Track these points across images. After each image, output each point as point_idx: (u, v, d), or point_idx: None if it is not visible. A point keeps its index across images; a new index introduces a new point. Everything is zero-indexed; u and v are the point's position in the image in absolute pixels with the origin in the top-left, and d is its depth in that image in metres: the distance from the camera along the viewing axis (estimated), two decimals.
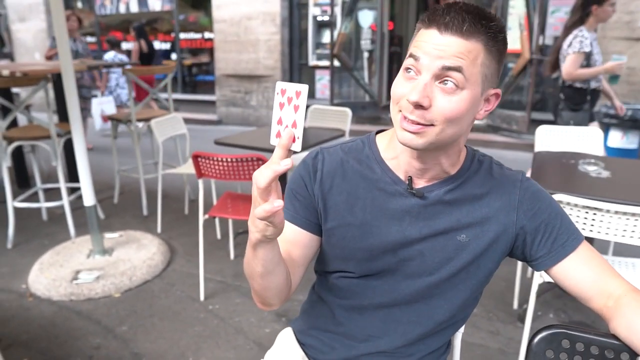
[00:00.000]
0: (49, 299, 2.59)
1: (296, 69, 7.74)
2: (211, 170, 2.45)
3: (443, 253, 0.94)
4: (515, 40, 6.22)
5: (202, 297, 2.58)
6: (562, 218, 0.95)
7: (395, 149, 0.95)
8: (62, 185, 3.32)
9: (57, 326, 2.36)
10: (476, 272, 0.96)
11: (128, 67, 4.32)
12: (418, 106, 0.80)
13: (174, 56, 8.76)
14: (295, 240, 0.98)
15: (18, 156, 4.31)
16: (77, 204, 3.69)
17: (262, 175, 0.69)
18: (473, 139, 6.29)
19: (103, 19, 9.42)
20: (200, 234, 2.56)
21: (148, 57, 7.07)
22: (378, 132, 1.02)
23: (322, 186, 0.97)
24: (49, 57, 5.48)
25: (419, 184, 0.94)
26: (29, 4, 9.36)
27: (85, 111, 5.41)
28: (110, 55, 7.26)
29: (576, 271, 0.92)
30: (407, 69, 0.83)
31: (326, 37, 7.34)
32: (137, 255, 2.97)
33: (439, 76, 0.80)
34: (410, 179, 0.93)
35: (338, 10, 7.07)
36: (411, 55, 0.82)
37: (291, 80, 7.74)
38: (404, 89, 0.83)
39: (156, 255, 2.99)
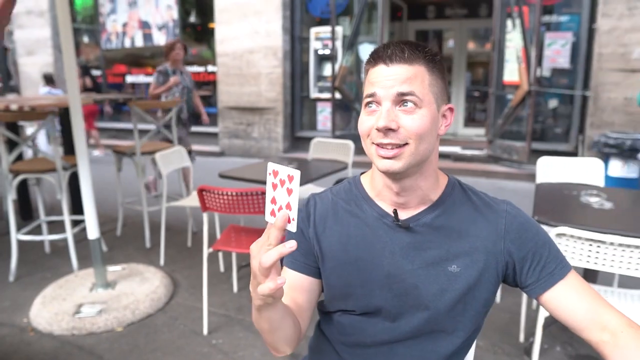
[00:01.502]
0: (51, 334, 2.57)
1: (298, 101, 7.85)
2: (216, 203, 2.47)
3: (436, 284, 0.95)
4: (513, 72, 6.33)
5: (205, 331, 2.56)
6: (549, 247, 0.97)
7: (376, 187, 1.00)
8: (66, 218, 3.33)
9: None
10: (472, 302, 0.97)
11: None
12: (388, 130, 0.88)
13: None
14: (298, 286, 1.01)
15: (22, 189, 4.34)
16: (80, 237, 3.70)
17: (268, 256, 0.73)
18: (474, 169, 6.33)
19: (108, 53, 9.61)
20: (205, 267, 2.55)
21: (93, 92, 7.01)
22: (362, 174, 1.08)
23: (316, 229, 1.02)
24: (156, 96, 4.62)
25: (405, 214, 0.98)
26: (36, 39, 9.57)
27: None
28: (44, 91, 7.60)
29: (567, 299, 0.93)
30: (368, 104, 0.92)
31: (327, 70, 7.46)
32: (140, 288, 2.96)
33: (397, 101, 0.89)
34: (395, 212, 0.97)
35: (339, 44, 7.21)
36: (368, 94, 0.92)
37: (293, 112, 7.84)
38: (370, 121, 0.91)
39: (159, 288, 2.97)
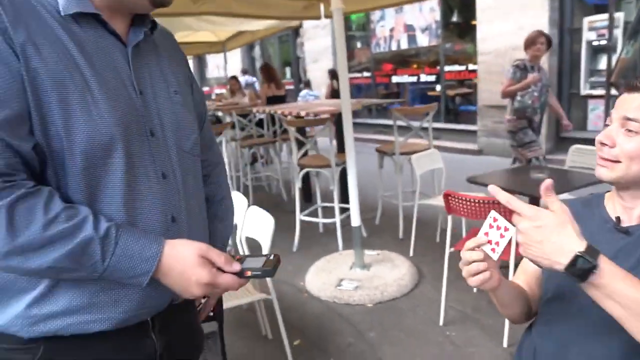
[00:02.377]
0: (319, 298, 3.23)
1: (565, 98, 7.25)
2: (460, 208, 2.68)
3: None
4: None
5: (441, 322, 2.82)
6: None
7: (612, 196, 1.12)
8: (336, 205, 4.02)
9: (323, 322, 2.94)
10: None
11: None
12: (603, 145, 1.03)
13: (438, 87, 9.24)
14: (530, 272, 1.23)
15: (306, 179, 5.33)
16: (345, 222, 4.37)
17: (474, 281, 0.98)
18: None
19: (377, 56, 10.59)
20: (445, 264, 2.81)
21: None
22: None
23: None
24: (510, 94, 4.33)
25: (629, 222, 1.08)
26: (320, 49, 11.21)
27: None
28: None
29: None
30: (605, 125, 1.07)
31: (603, 64, 6.68)
32: (390, 273, 3.39)
33: (623, 124, 1.01)
34: (618, 218, 1.09)
35: (619, 32, 6.38)
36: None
37: None
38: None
39: (406, 276, 3.36)
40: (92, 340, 0.89)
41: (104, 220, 0.84)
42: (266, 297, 2.44)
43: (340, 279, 3.36)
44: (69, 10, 0.86)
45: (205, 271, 0.89)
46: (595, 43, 6.73)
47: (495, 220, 0.98)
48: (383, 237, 4.29)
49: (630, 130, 1.01)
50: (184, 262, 0.89)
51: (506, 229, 0.96)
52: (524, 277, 1.25)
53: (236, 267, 0.92)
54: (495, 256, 0.96)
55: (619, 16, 6.39)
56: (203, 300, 1.28)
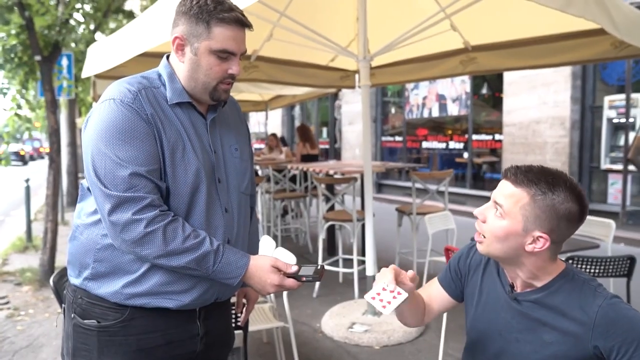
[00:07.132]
0: (332, 338, 3.58)
1: (586, 171, 7.53)
2: None
3: (532, 344, 1.26)
4: None
5: None
6: (638, 344, 1.12)
7: None
8: (355, 257, 4.42)
9: (333, 358, 3.28)
10: None
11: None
12: (479, 220, 1.26)
13: (465, 155, 9.65)
14: (436, 292, 1.48)
15: (331, 232, 5.75)
16: (363, 273, 4.74)
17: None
18: None
19: (410, 122, 11.18)
20: (445, 316, 3.14)
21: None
22: None
23: (469, 269, 1.41)
24: None
25: (517, 289, 1.29)
26: (356, 112, 11.91)
27: None
28: None
29: None
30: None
31: (623, 140, 7.00)
32: (397, 321, 3.72)
33: (495, 206, 1.22)
34: (512, 285, 1.31)
35: (637, 112, 6.73)
36: None
37: (580, 181, 7.55)
38: None
39: None
40: (160, 312, 1.34)
41: (215, 240, 1.30)
42: (284, 326, 2.84)
43: (352, 322, 3.71)
44: (174, 101, 1.36)
45: (276, 276, 1.29)
46: (615, 120, 7.07)
47: (384, 289, 1.19)
48: None
49: (497, 210, 1.19)
50: (262, 270, 1.30)
51: (399, 293, 1.18)
52: (430, 292, 1.48)
53: (294, 272, 1.30)
54: (386, 311, 1.16)
55: (638, 97, 6.77)
56: (242, 315, 1.69)
